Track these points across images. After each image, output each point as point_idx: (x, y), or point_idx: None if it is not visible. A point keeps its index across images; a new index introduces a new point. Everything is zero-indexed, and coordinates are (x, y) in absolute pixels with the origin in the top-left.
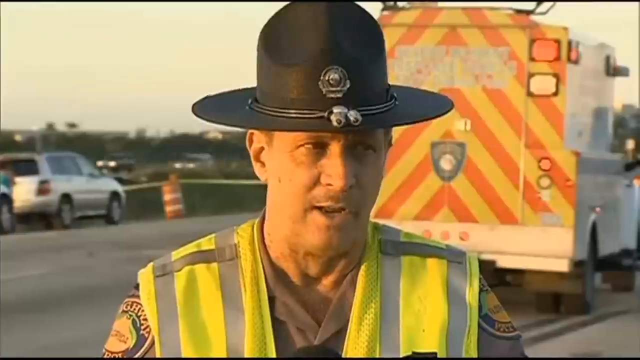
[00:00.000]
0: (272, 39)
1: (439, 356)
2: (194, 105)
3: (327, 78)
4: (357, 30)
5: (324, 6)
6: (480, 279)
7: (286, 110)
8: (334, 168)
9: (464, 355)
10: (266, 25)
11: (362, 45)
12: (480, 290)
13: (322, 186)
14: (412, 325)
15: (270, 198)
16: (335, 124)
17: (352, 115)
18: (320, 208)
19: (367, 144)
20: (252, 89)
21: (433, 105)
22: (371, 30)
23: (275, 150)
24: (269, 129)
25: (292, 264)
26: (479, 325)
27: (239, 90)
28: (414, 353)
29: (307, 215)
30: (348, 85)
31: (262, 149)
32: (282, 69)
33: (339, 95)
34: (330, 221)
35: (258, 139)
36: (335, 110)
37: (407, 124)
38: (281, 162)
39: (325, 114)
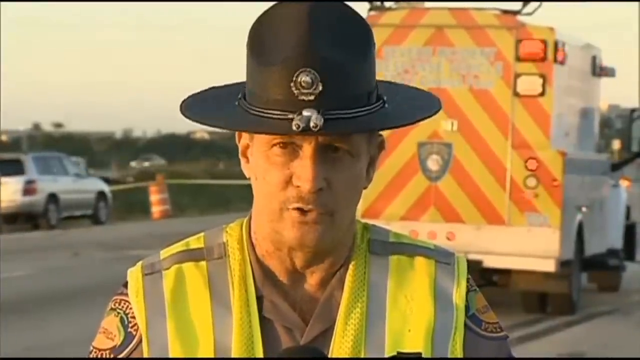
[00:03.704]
0: (256, 39)
1: (423, 356)
2: (182, 102)
3: (299, 80)
4: (339, 32)
5: (307, 7)
6: (468, 279)
7: (264, 110)
8: (303, 170)
9: (449, 356)
10: (253, 25)
11: (342, 48)
12: (468, 291)
13: (293, 187)
14: (398, 326)
15: (254, 196)
16: (294, 128)
17: (314, 120)
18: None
19: (340, 148)
20: (243, 83)
21: (420, 109)
22: (356, 33)
23: (255, 148)
24: (234, 129)
25: (277, 261)
26: (466, 326)
27: (231, 85)
28: (398, 353)
29: (282, 214)
30: (320, 88)
31: (247, 145)
32: (263, 69)
33: (311, 97)
34: (305, 217)
35: (245, 135)
36: (304, 113)
37: (378, 130)
38: (258, 160)
39: (295, 116)
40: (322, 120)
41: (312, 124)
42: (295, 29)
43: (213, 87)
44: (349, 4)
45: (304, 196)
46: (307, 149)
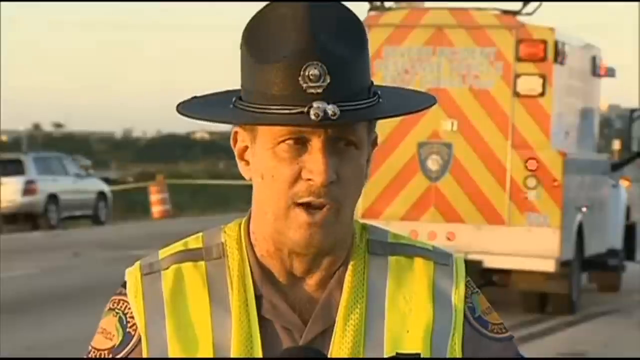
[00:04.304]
0: (254, 38)
1: (422, 357)
2: (179, 105)
3: (307, 73)
4: (338, 28)
5: (305, 5)
6: (468, 281)
7: (268, 107)
8: (314, 163)
9: (448, 357)
10: (248, 24)
11: (343, 43)
12: (472, 293)
13: (304, 181)
14: (397, 326)
15: (255, 196)
16: (313, 117)
17: (331, 109)
18: (302, 205)
19: (348, 140)
20: (239, 90)
21: (415, 102)
22: (353, 28)
23: (258, 147)
24: (249, 124)
25: (277, 262)
26: (474, 328)
27: (226, 92)
28: (397, 354)
29: (289, 212)
30: (328, 81)
31: (246, 147)
32: (264, 67)
33: (319, 90)
34: (312, 218)
35: (242, 137)
36: (315, 104)
37: (386, 117)
38: (263, 159)
39: (305, 109)
40: (338, 110)
41: (330, 113)
42: (295, 26)
43: (195, 97)
44: (350, 3)
45: (314, 190)
46: (317, 142)
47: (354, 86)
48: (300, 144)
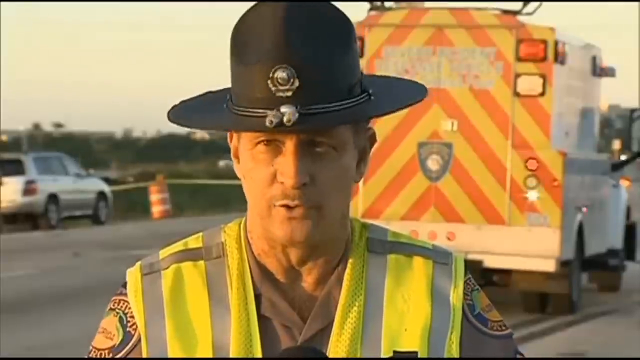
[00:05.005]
0: (236, 40)
1: (419, 356)
2: (174, 105)
3: (275, 77)
4: (315, 28)
5: (284, 5)
6: (469, 278)
7: (249, 110)
8: (285, 166)
9: (445, 356)
10: (234, 26)
11: (318, 43)
12: (472, 290)
13: (278, 184)
14: (395, 325)
15: (246, 195)
16: (267, 124)
17: (287, 115)
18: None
19: (323, 143)
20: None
21: (403, 99)
22: (334, 27)
23: (241, 148)
24: (216, 129)
25: (273, 259)
26: (473, 325)
27: (227, 89)
28: (394, 352)
29: (270, 211)
30: (297, 84)
31: (237, 146)
32: (243, 69)
33: (288, 94)
34: (290, 213)
35: (234, 136)
36: (282, 109)
37: (358, 120)
38: (245, 160)
39: (270, 113)
40: (297, 115)
41: (285, 119)
42: (271, 28)
43: (209, 92)
44: (350, 4)
45: (288, 192)
46: (289, 145)
47: (330, 87)
48: (275, 146)
